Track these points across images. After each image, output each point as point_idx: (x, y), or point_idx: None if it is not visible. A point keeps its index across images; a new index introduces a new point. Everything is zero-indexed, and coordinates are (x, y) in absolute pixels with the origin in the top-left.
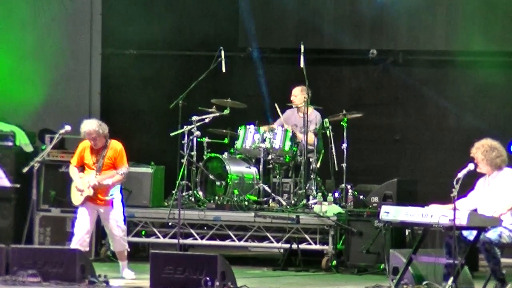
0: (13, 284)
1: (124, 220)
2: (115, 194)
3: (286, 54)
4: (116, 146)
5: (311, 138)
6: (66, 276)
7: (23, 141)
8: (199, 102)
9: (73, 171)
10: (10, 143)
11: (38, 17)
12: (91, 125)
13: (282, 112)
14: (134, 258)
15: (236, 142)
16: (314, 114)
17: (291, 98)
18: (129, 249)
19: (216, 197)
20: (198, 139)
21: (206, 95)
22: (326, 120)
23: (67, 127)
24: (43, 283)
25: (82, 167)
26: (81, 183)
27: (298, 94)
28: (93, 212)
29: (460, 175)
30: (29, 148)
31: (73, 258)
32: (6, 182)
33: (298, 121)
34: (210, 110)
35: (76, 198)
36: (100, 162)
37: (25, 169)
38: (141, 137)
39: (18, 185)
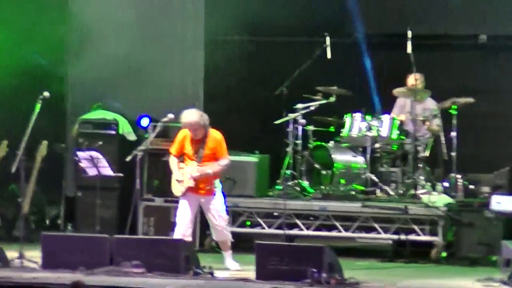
0: (117, 275)
1: (226, 210)
2: (218, 185)
3: (393, 40)
4: (216, 136)
5: (436, 126)
6: (170, 267)
7: (126, 130)
8: (304, 90)
9: (172, 161)
10: (113, 132)
11: (141, 6)
12: (192, 115)
13: (394, 101)
14: (239, 248)
15: (342, 130)
16: (432, 102)
17: (410, 85)
18: (232, 240)
19: (322, 187)
20: (303, 128)
21: (311, 82)
22: (435, 107)
23: (170, 115)
24: (147, 274)
25: (181, 157)
26: (181, 175)
27: (420, 81)
28: (195, 202)
29: None
30: (132, 137)
31: (177, 248)
32: (109, 171)
33: (415, 109)
34: (315, 97)
35: (176, 189)
36: (201, 152)
37: (128, 158)
38: (245, 125)
39: (121, 175)
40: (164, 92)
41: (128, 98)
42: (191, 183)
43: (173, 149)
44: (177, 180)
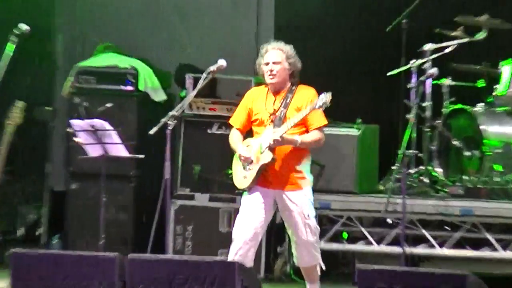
0: None
1: (315, 216)
2: (306, 172)
3: None
4: (307, 92)
5: None
6: None
7: (150, 84)
8: (435, 21)
9: (235, 136)
10: (129, 88)
11: None
12: (280, 44)
13: None
14: (331, 276)
15: (496, 86)
16: None
17: None
18: (322, 265)
19: (465, 177)
20: (434, 82)
21: (446, 10)
22: None
23: (221, 62)
24: None
25: (249, 133)
26: (248, 151)
27: None
28: (267, 202)
29: None
30: (160, 96)
31: (230, 275)
32: (122, 151)
33: None
34: (452, 34)
35: (240, 177)
36: (281, 112)
37: (154, 130)
38: (340, 79)
39: (141, 156)
40: (211, 32)
41: (155, 42)
42: (267, 159)
43: (235, 119)
44: (242, 159)
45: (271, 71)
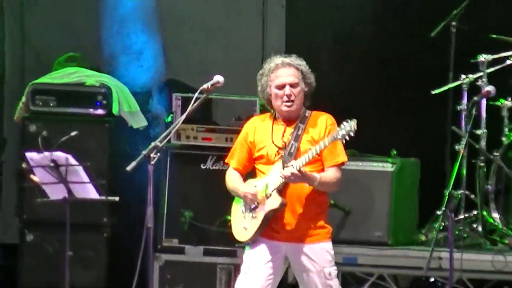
0: None
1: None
2: (324, 219)
3: None
4: (323, 119)
5: None
6: None
7: (126, 107)
8: (492, 24)
9: (233, 176)
10: (99, 111)
11: None
12: (293, 58)
13: None
14: None
15: None
16: None
17: None
18: None
19: None
20: (491, 103)
21: (507, 9)
22: None
23: (218, 78)
24: None
25: (251, 172)
26: (253, 191)
27: None
28: (276, 258)
29: None
30: (139, 121)
31: None
32: (91, 192)
33: None
34: None
35: (240, 228)
36: (292, 146)
37: (132, 166)
38: (367, 99)
39: (116, 199)
40: (205, 42)
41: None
42: (275, 204)
43: (233, 157)
44: (247, 200)
45: (288, 96)
